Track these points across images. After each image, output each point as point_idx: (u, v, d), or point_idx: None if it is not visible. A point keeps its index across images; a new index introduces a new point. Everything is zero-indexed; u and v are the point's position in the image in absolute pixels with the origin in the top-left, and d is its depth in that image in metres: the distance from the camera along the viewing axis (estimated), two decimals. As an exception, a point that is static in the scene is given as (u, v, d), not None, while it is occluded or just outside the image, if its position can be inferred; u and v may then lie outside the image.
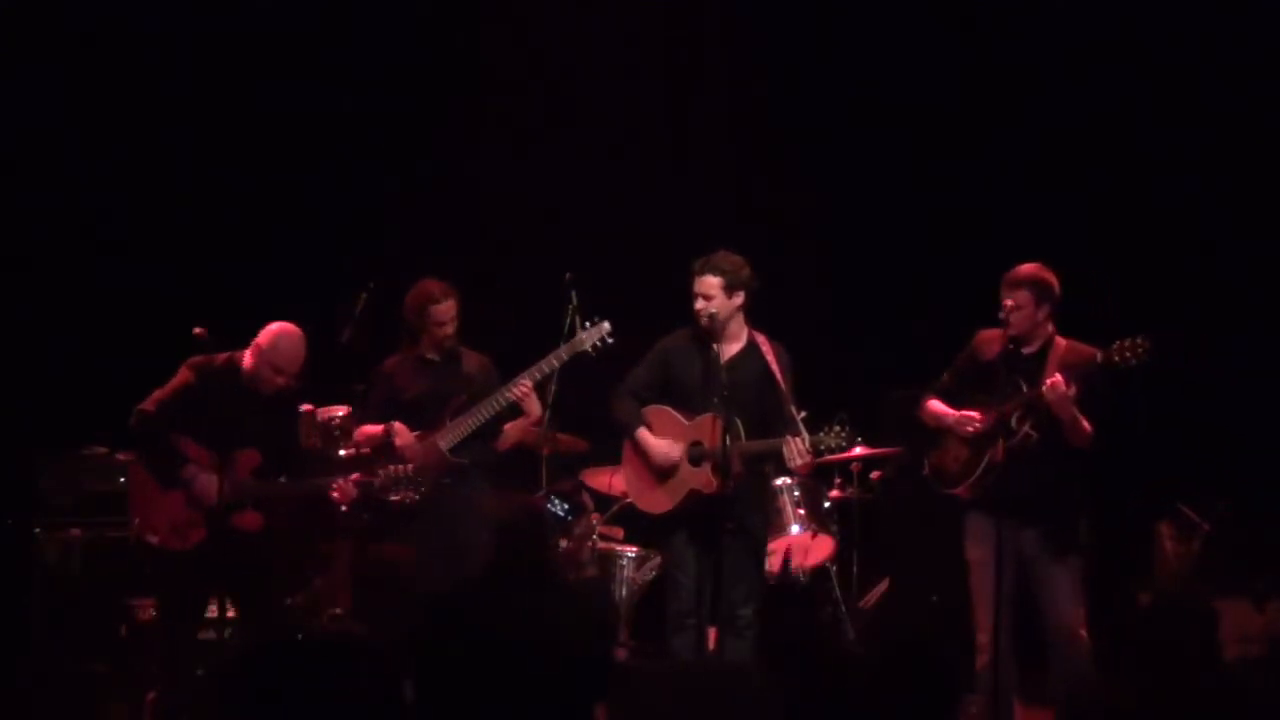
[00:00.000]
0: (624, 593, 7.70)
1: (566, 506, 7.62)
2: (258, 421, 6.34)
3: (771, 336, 6.57)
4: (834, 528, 7.88)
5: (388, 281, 7.11)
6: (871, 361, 8.32)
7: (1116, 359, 5.97)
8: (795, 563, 7.72)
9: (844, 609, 7.88)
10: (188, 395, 6.32)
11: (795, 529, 7.70)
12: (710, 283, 6.41)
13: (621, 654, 7.37)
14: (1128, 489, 7.59)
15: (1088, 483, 6.32)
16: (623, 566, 7.71)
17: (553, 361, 6.76)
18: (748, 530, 6.47)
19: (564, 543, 7.53)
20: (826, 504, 7.93)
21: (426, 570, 6.54)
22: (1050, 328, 6.27)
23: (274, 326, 6.36)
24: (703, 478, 6.38)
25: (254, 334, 6.38)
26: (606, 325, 6.78)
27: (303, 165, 8.58)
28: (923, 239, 8.61)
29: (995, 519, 6.14)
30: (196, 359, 6.37)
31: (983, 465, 6.24)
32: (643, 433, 6.52)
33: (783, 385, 6.39)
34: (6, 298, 8.10)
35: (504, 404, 6.75)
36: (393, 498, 6.54)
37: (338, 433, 6.98)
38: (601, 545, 7.73)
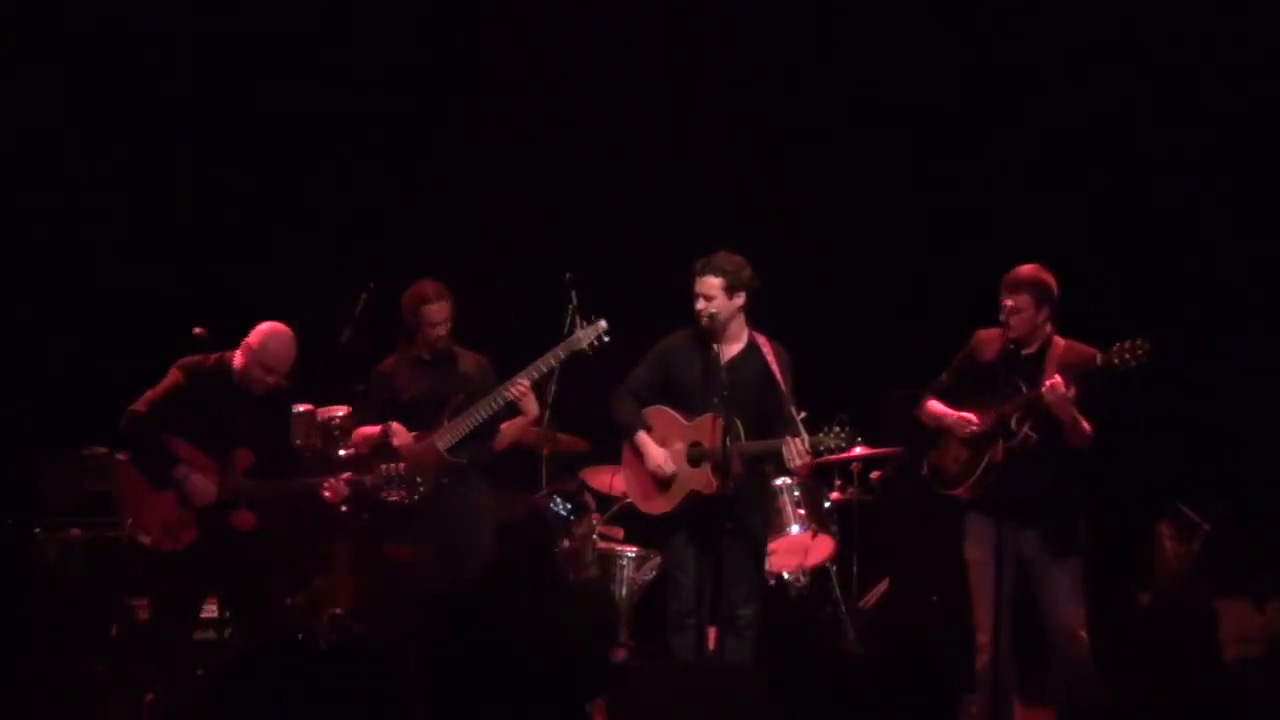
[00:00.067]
0: (624, 593, 7.70)
1: (569, 506, 7.61)
2: (248, 421, 6.35)
3: (771, 336, 6.56)
4: (834, 528, 7.88)
5: (387, 281, 7.10)
6: (871, 361, 8.32)
7: (1116, 361, 5.96)
8: (795, 563, 7.73)
9: (844, 609, 7.89)
10: (178, 395, 6.33)
11: (795, 529, 7.71)
12: (711, 283, 6.40)
13: (621, 654, 7.38)
14: (1128, 489, 7.57)
15: (1087, 483, 6.32)
16: (623, 566, 7.71)
17: (550, 360, 6.74)
18: (748, 530, 6.46)
19: (566, 542, 7.52)
20: (826, 504, 7.94)
21: (425, 570, 6.54)
22: (1049, 328, 6.26)
23: (264, 326, 6.36)
24: (703, 478, 6.37)
25: (253, 334, 6.39)
26: (603, 324, 6.76)
27: (303, 165, 8.58)
28: (923, 239, 8.61)
29: (995, 519, 6.13)
30: (186, 359, 6.38)
31: (982, 466, 6.23)
32: (642, 436, 6.51)
33: (783, 386, 6.38)
34: (6, 298, 8.10)
35: (501, 403, 6.73)
36: (390, 497, 6.53)
37: (338, 433, 6.97)
38: (601, 545, 7.73)
